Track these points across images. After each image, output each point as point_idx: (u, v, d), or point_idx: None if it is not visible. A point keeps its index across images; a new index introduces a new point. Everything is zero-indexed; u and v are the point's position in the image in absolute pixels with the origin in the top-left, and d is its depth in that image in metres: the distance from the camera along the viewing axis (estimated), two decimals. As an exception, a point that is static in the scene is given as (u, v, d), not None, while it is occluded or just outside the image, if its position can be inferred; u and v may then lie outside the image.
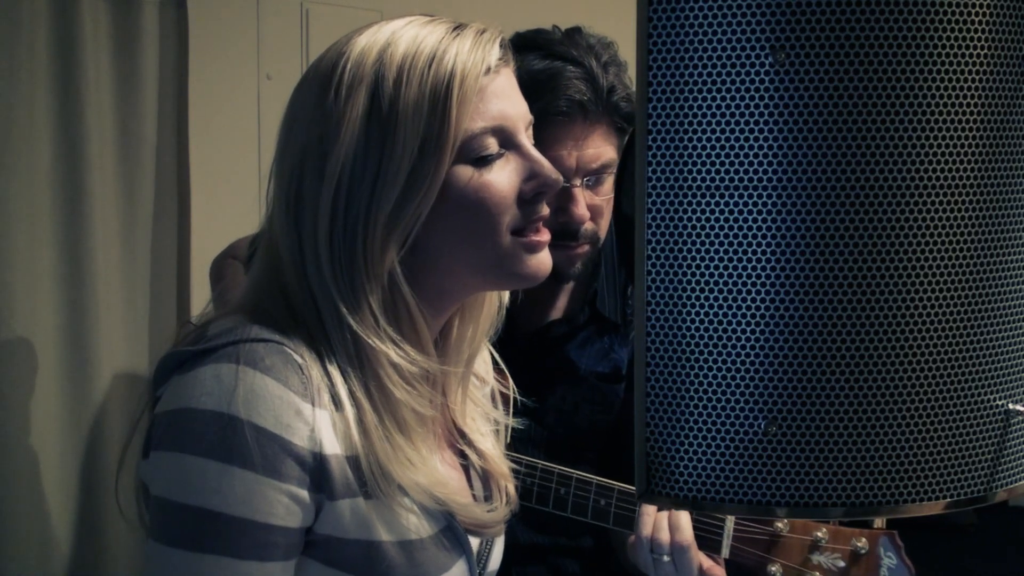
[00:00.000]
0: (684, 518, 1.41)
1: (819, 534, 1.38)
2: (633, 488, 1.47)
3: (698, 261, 0.69)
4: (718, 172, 0.68)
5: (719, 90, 0.68)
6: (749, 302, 0.68)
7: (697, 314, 0.70)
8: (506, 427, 1.26)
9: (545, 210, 1.07)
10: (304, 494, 0.97)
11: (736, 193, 0.68)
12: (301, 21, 3.06)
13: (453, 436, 1.17)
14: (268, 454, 0.95)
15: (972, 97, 0.67)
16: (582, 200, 1.54)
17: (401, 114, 0.99)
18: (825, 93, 0.66)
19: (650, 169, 0.70)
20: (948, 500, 0.71)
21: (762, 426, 0.69)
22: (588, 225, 1.56)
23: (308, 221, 1.01)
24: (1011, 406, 0.72)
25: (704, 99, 0.68)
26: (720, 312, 0.69)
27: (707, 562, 1.41)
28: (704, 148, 0.68)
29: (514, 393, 1.27)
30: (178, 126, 2.72)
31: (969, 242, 0.69)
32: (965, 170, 0.68)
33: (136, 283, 2.67)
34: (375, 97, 1.00)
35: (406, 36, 1.02)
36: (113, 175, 2.61)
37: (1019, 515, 4.22)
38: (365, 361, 1.00)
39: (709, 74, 0.68)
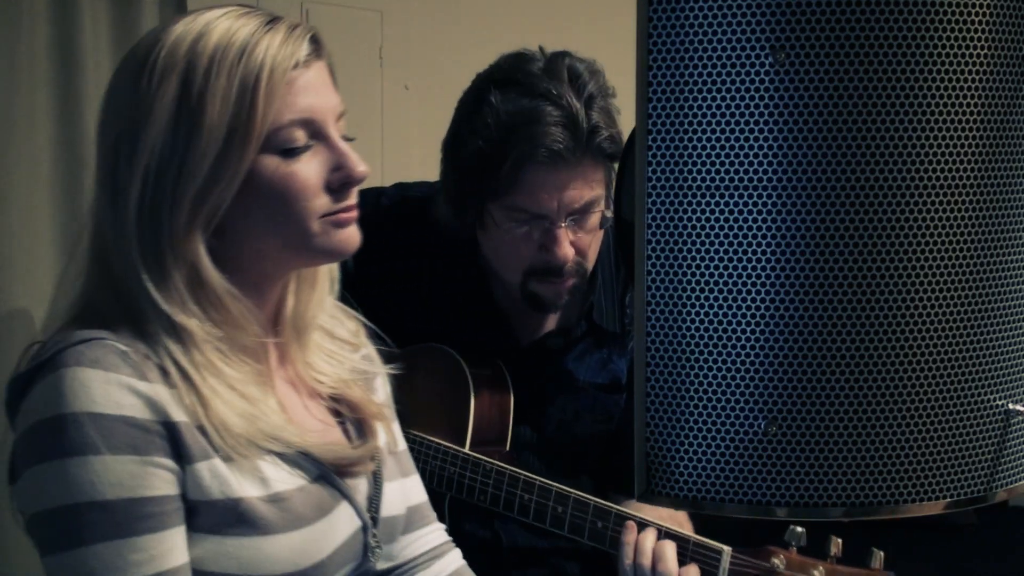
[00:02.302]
0: (669, 548, 1.40)
1: (816, 573, 1.37)
2: (630, 512, 1.47)
3: (698, 261, 0.69)
4: (718, 172, 0.68)
5: (719, 90, 0.68)
6: (749, 302, 0.68)
7: (697, 314, 0.70)
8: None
9: (352, 198, 1.11)
10: (169, 462, 1.01)
11: (736, 193, 0.68)
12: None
13: (320, 395, 1.21)
14: (118, 434, 0.98)
15: (972, 97, 0.67)
16: (565, 240, 1.52)
17: (209, 103, 1.02)
18: (825, 93, 0.66)
19: (650, 169, 0.70)
20: (948, 500, 0.71)
21: (762, 426, 0.69)
22: (572, 262, 1.54)
23: (120, 203, 1.05)
24: (1011, 406, 0.72)
25: (704, 99, 0.68)
26: (720, 312, 0.69)
27: None
28: (704, 148, 0.68)
29: (388, 368, 1.31)
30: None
31: (969, 242, 0.69)
32: (965, 170, 0.68)
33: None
34: (185, 85, 1.03)
35: (219, 27, 1.05)
36: (113, 175, 2.61)
37: (1019, 515, 4.21)
38: (183, 336, 1.04)
39: (709, 74, 0.68)
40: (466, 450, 1.59)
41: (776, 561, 1.39)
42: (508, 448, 1.62)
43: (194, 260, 1.04)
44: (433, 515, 1.36)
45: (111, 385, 0.99)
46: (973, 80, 0.67)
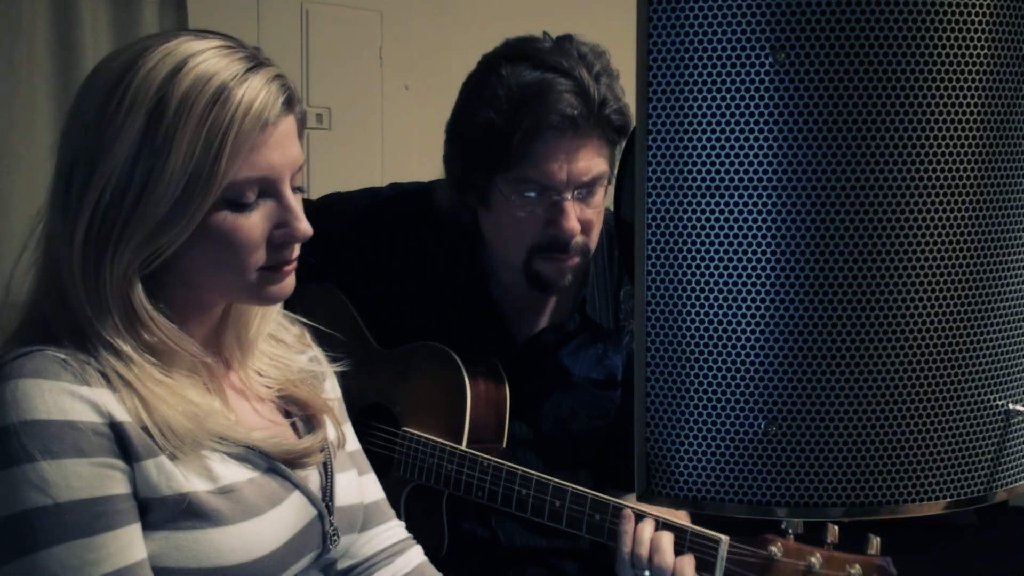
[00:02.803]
0: (666, 539, 1.41)
1: (813, 560, 1.37)
2: (626, 504, 1.48)
3: (698, 261, 0.69)
4: (718, 172, 0.68)
5: (719, 90, 0.68)
6: (749, 302, 0.68)
7: (697, 314, 0.70)
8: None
9: (293, 254, 1.13)
10: (117, 461, 1.02)
11: (736, 193, 0.68)
12: (301, 21, 3.05)
13: (266, 398, 1.24)
14: (63, 438, 0.99)
15: (972, 97, 0.67)
16: (572, 214, 1.53)
17: (175, 147, 1.02)
18: (825, 93, 0.66)
19: (650, 169, 0.70)
20: (948, 500, 0.71)
21: (762, 426, 0.69)
22: (579, 238, 1.56)
23: (68, 224, 1.06)
24: (1011, 406, 0.72)
25: (704, 99, 0.68)
26: (720, 312, 0.69)
27: None
28: (704, 148, 0.68)
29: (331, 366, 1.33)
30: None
31: (969, 242, 0.69)
32: (965, 170, 0.68)
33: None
34: (152, 121, 1.02)
35: (198, 67, 1.04)
36: (113, 175, 2.61)
37: (1019, 515, 4.21)
38: (121, 354, 1.06)
39: (709, 74, 0.68)
40: (463, 447, 1.59)
41: (773, 549, 1.39)
42: (505, 445, 1.63)
43: (130, 293, 1.06)
44: (391, 512, 1.38)
45: (54, 392, 1.00)
46: (973, 80, 0.67)
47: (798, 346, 0.68)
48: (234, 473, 1.10)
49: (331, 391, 1.33)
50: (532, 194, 1.53)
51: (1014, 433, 0.73)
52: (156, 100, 1.03)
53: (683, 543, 1.42)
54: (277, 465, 1.15)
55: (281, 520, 1.12)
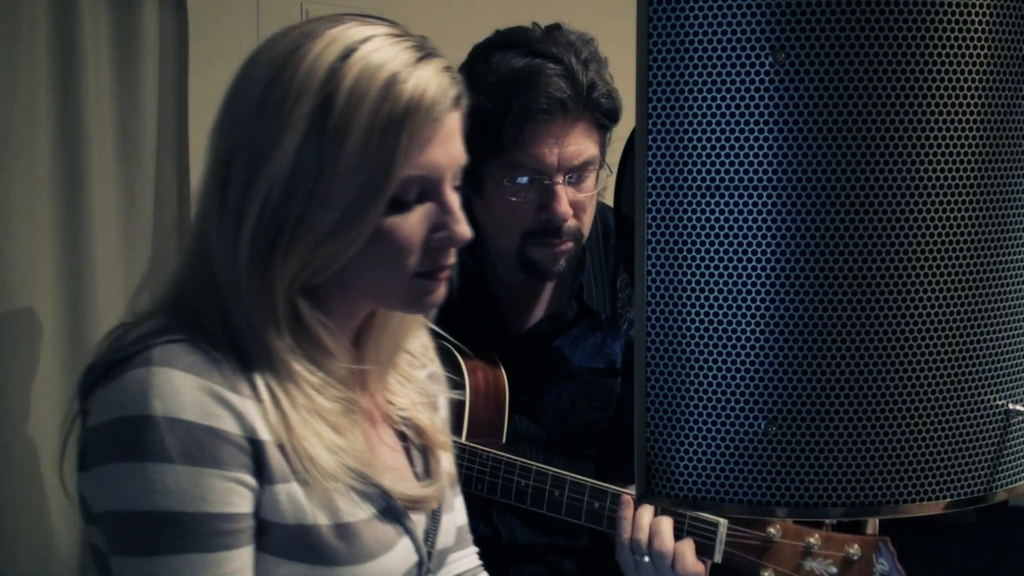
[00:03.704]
0: (665, 524, 1.41)
1: (812, 540, 1.38)
2: (626, 491, 1.48)
3: (698, 261, 0.69)
4: (718, 172, 0.68)
5: (719, 90, 0.68)
6: (749, 302, 0.68)
7: (697, 314, 0.70)
8: (452, 403, 1.26)
9: (450, 259, 1.06)
10: (250, 479, 0.98)
11: (736, 193, 0.68)
12: (301, 21, 3.05)
13: (391, 419, 1.17)
14: (204, 445, 0.95)
15: (972, 97, 0.67)
16: (564, 197, 1.55)
17: (347, 143, 0.96)
18: (825, 93, 0.66)
19: (650, 169, 0.70)
20: (948, 500, 0.71)
21: (762, 426, 0.69)
22: (571, 222, 1.57)
23: (229, 224, 0.99)
24: (1011, 406, 0.72)
25: (704, 99, 0.68)
26: (720, 312, 0.69)
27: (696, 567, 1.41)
28: (704, 148, 0.68)
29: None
30: (178, 126, 2.71)
31: (969, 242, 0.69)
32: (965, 170, 0.68)
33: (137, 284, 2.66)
34: (320, 112, 0.96)
35: (367, 56, 0.97)
36: (113, 175, 2.61)
37: (1019, 515, 4.21)
38: (275, 361, 1.00)
39: (709, 74, 0.68)
40: (462, 440, 1.59)
41: (772, 531, 1.40)
42: (504, 441, 1.63)
43: (293, 297, 1.00)
44: (470, 538, 1.34)
45: (202, 393, 0.95)
46: (973, 80, 0.67)
47: (798, 346, 0.68)
48: (355, 510, 1.04)
49: (443, 408, 1.25)
50: (524, 179, 1.54)
51: (1014, 433, 0.73)
52: (324, 90, 0.96)
53: (682, 528, 1.43)
54: (395, 506, 1.08)
55: (390, 567, 1.07)
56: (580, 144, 1.54)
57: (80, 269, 2.56)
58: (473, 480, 1.56)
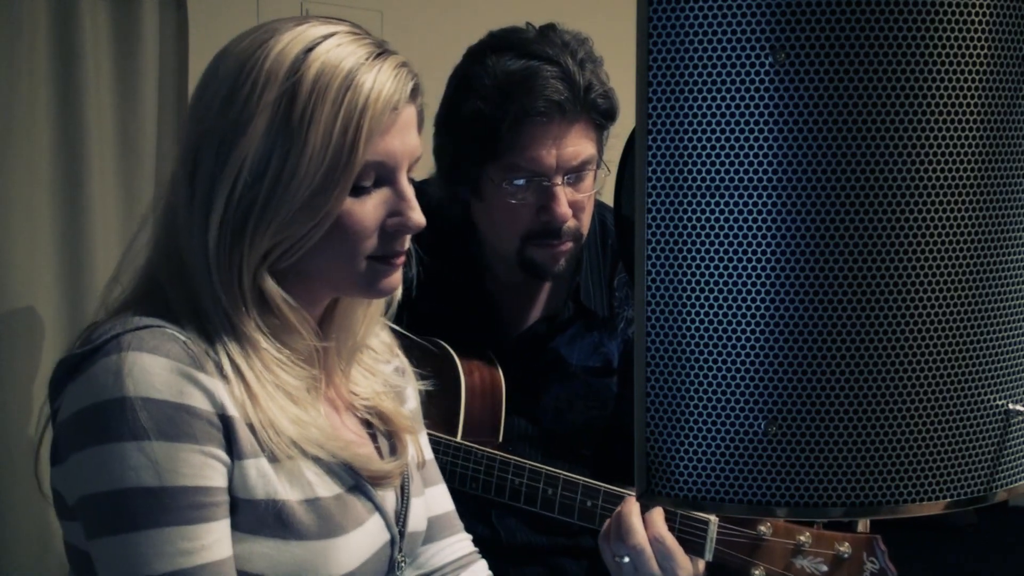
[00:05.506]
0: (636, 521, 1.40)
1: (802, 538, 1.38)
2: (619, 489, 1.48)
3: (698, 261, 0.69)
4: (718, 172, 0.68)
5: (719, 90, 0.68)
6: (749, 302, 0.68)
7: (697, 314, 0.70)
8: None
9: (404, 246, 1.11)
10: (222, 454, 1.01)
11: (736, 193, 0.68)
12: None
13: (355, 408, 1.21)
14: (177, 421, 0.98)
15: (972, 97, 0.67)
16: (563, 198, 1.55)
17: (311, 130, 1.01)
18: (825, 93, 0.66)
19: (650, 169, 0.70)
20: (948, 500, 0.71)
21: (762, 426, 0.69)
22: (570, 223, 1.57)
23: (199, 208, 1.03)
24: (1011, 406, 0.72)
25: (704, 99, 0.68)
26: (720, 312, 0.69)
27: (688, 567, 1.40)
28: (704, 148, 0.68)
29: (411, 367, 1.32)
30: (178, 126, 2.72)
31: (969, 242, 0.69)
32: (965, 170, 0.68)
33: (136, 283, 2.66)
34: (286, 101, 1.01)
35: (329, 50, 1.03)
36: (113, 175, 2.61)
37: (1019, 515, 4.21)
38: (241, 338, 1.04)
39: (709, 74, 0.68)
40: (457, 439, 1.59)
41: (763, 528, 1.40)
42: (500, 440, 1.63)
43: (260, 278, 1.04)
44: (460, 525, 1.36)
45: (172, 373, 0.99)
46: (973, 80, 0.67)
47: (798, 346, 0.68)
48: (324, 486, 1.07)
49: (412, 399, 1.30)
50: (522, 181, 1.55)
51: (1014, 433, 0.73)
52: (289, 80, 1.01)
53: (672, 526, 1.42)
54: (363, 484, 1.12)
55: (361, 542, 1.10)
56: (578, 145, 1.54)
57: (80, 269, 2.56)
58: (468, 479, 1.56)
